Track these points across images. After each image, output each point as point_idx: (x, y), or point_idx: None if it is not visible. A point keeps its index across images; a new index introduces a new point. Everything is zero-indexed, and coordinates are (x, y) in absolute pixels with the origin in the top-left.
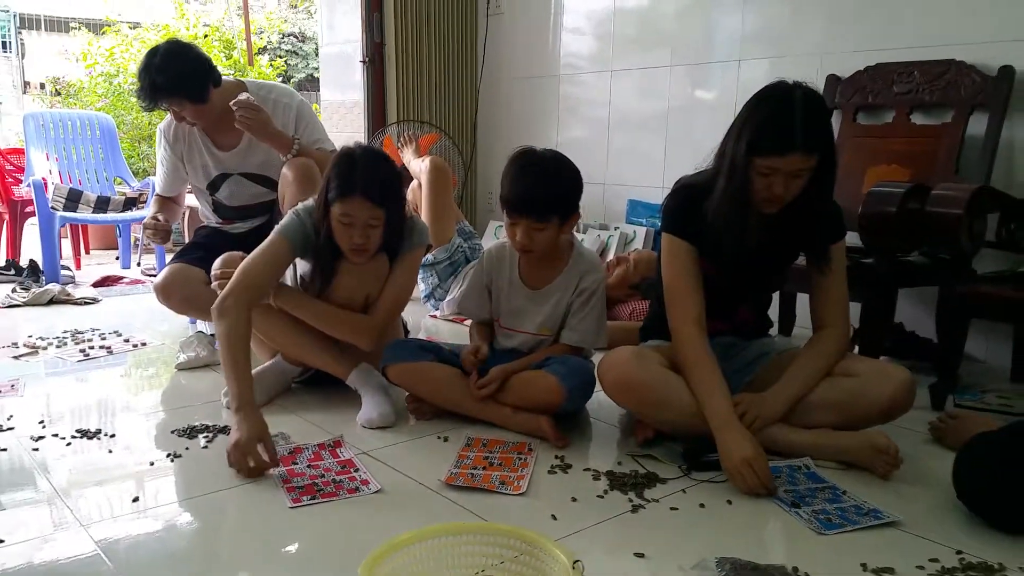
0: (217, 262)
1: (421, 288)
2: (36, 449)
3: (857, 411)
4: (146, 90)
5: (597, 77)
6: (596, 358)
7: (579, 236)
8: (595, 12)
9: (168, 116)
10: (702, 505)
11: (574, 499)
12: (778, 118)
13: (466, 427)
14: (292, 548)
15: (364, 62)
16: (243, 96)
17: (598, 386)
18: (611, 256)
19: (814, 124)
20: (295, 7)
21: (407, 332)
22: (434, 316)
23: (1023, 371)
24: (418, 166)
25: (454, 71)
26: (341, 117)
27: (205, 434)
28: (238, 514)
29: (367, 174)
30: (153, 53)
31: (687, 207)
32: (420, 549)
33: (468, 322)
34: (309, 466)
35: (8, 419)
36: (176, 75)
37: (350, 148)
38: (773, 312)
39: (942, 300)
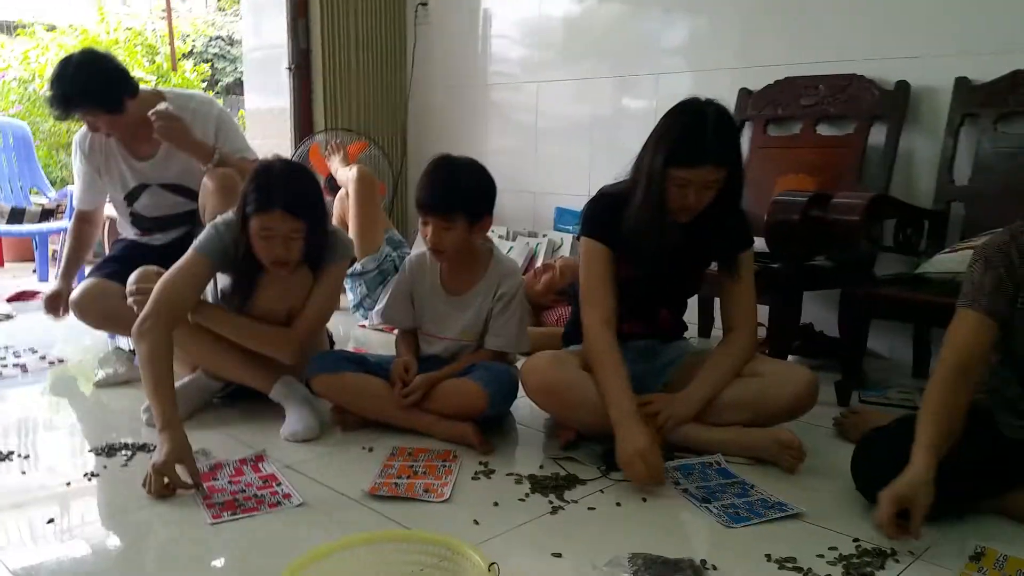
0: (132, 277)
1: (350, 298)
2: None
3: (764, 409)
4: (58, 100)
5: (525, 86)
6: (521, 363)
7: (508, 243)
8: (522, 21)
9: (84, 127)
10: (618, 504)
11: (496, 503)
12: (691, 132)
13: (392, 437)
14: (216, 563)
15: (290, 68)
16: (162, 106)
17: (522, 391)
18: (539, 263)
19: (724, 139)
20: (223, 10)
21: (332, 343)
22: (363, 326)
23: (923, 367)
24: (345, 175)
25: (383, 79)
26: (267, 124)
27: (124, 452)
28: (159, 533)
29: (286, 187)
30: (66, 63)
31: (606, 213)
32: (340, 559)
33: (396, 331)
34: (230, 482)
35: None
36: (89, 86)
37: (268, 161)
38: (692, 316)
39: (844, 302)
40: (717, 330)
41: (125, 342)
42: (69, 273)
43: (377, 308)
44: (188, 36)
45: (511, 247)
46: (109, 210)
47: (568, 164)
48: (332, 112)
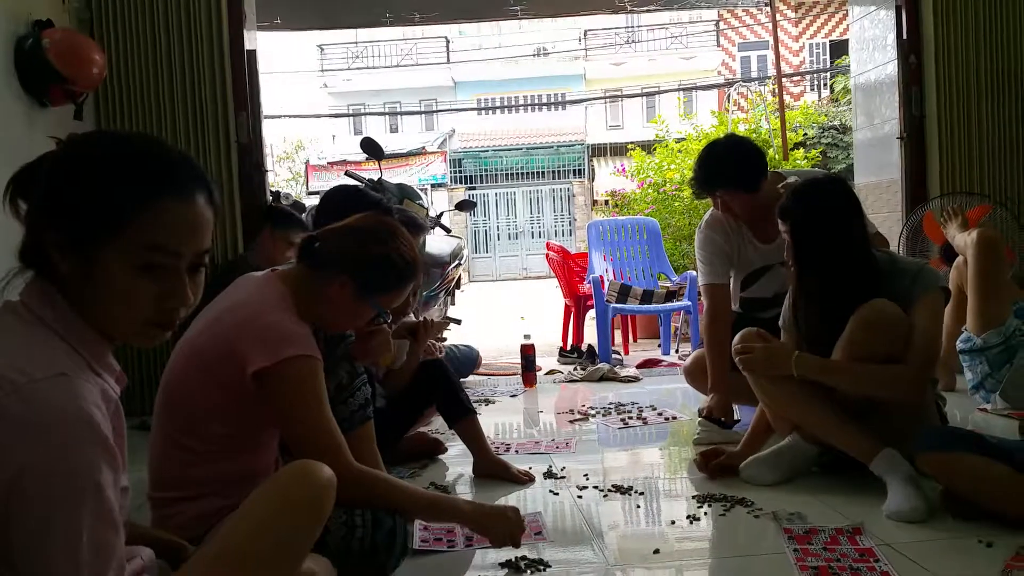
0: (736, 338)
1: (968, 377)
2: (580, 497)
3: None
4: (702, 179)
5: None
6: None
7: None
8: None
9: (708, 214)
10: None
11: None
12: None
13: (1020, 535)
14: None
15: (901, 138)
16: (791, 179)
17: None
18: None
19: None
20: (836, 100)
21: (944, 420)
22: (983, 409)
23: None
24: (963, 240)
25: (1010, 131)
26: (876, 198)
27: (724, 503)
28: None
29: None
30: (713, 146)
31: None
32: None
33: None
34: (824, 548)
35: (561, 470)
36: (733, 166)
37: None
38: None
39: None
40: None
41: None
42: (720, 383)
43: (1002, 390)
44: (800, 127)
45: None
46: None
47: None
48: (948, 176)
